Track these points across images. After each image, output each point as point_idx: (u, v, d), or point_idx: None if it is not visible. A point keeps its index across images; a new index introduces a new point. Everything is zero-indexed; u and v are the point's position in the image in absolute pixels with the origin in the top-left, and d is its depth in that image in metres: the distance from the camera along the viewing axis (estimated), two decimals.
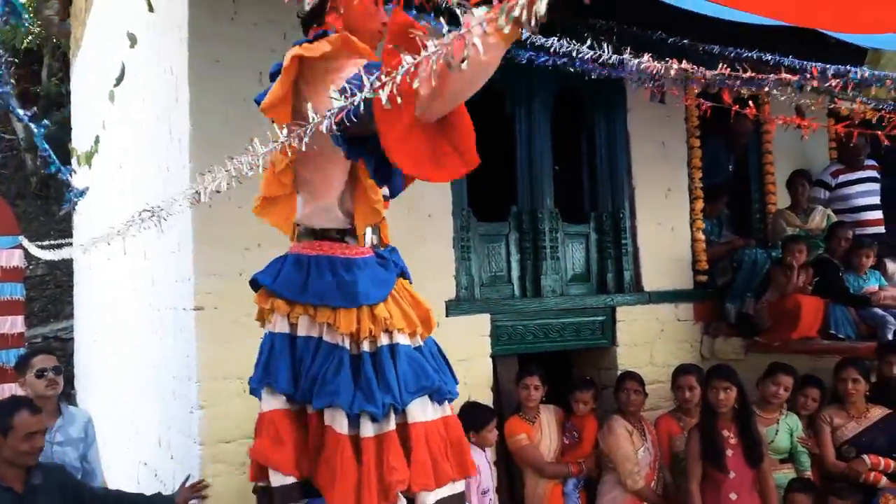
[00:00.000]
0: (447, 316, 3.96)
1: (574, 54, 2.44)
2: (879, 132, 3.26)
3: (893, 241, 5.24)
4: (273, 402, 1.83)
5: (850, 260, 4.75)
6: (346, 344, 1.81)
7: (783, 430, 3.97)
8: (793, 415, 4.05)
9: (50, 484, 2.63)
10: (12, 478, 2.56)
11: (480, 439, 3.61)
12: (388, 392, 1.72)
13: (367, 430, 1.74)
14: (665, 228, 4.85)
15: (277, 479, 1.71)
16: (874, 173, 5.37)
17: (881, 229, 5.25)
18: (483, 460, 3.54)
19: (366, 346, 1.83)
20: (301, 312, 1.84)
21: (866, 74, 2.84)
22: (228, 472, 3.13)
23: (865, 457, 3.77)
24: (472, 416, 3.61)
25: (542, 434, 3.92)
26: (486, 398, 4.08)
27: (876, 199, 5.32)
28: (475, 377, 4.03)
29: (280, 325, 1.85)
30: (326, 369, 1.76)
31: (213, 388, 3.16)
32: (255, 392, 1.91)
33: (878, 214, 5.29)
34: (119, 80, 4.07)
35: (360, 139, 1.63)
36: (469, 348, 4.04)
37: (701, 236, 4.94)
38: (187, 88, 3.23)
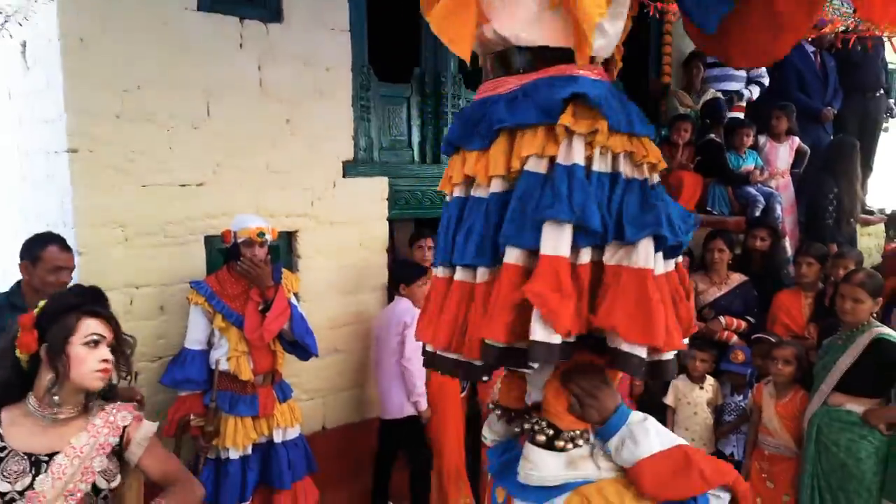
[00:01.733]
0: (344, 177, 3.91)
1: None
2: None
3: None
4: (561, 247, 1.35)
5: (730, 140, 5.03)
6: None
7: None
8: None
9: None
10: None
11: (410, 293, 3.75)
12: None
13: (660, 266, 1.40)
14: None
15: (543, 334, 1.34)
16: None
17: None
18: None
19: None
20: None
21: None
22: None
23: (721, 318, 4.18)
24: (405, 271, 3.84)
25: None
26: (382, 261, 4.15)
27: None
28: (371, 239, 4.07)
29: (577, 155, 1.35)
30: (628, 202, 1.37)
31: (92, 236, 3.02)
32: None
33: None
34: None
35: None
36: (365, 210, 4.04)
37: None
38: None
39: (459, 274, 1.44)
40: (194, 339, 3.09)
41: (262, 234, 3.11)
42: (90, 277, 2.82)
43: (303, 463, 3.26)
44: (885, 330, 3.17)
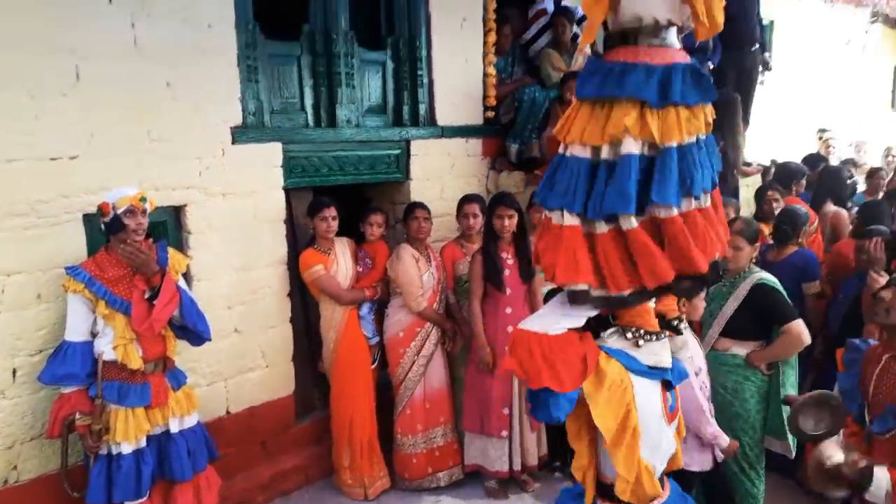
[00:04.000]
0: (234, 144, 3.68)
1: None
2: None
3: None
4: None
5: None
6: None
7: None
8: None
9: None
10: None
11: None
12: None
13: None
14: (459, 60, 4.84)
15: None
16: None
17: None
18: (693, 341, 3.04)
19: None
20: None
21: None
22: None
23: None
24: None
25: (338, 264, 3.95)
26: (279, 232, 3.98)
27: None
28: (266, 210, 3.88)
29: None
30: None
31: None
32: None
33: None
34: None
35: None
36: (259, 179, 3.83)
37: (492, 71, 5.02)
38: None
39: (603, 225, 1.80)
40: (75, 329, 2.83)
41: (143, 199, 2.89)
42: None
43: (203, 451, 3.11)
44: (765, 275, 3.39)
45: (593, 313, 1.91)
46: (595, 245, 1.84)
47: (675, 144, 1.77)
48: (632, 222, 1.77)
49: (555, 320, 1.87)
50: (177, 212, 3.54)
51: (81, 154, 3.10)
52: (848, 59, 9.90)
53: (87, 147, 3.11)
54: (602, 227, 1.82)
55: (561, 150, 1.92)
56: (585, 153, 1.84)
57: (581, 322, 1.88)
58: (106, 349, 2.84)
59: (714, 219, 1.89)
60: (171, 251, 3.09)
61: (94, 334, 2.87)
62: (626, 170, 1.76)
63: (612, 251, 1.82)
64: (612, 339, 1.95)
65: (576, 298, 1.90)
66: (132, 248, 2.81)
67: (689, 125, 1.79)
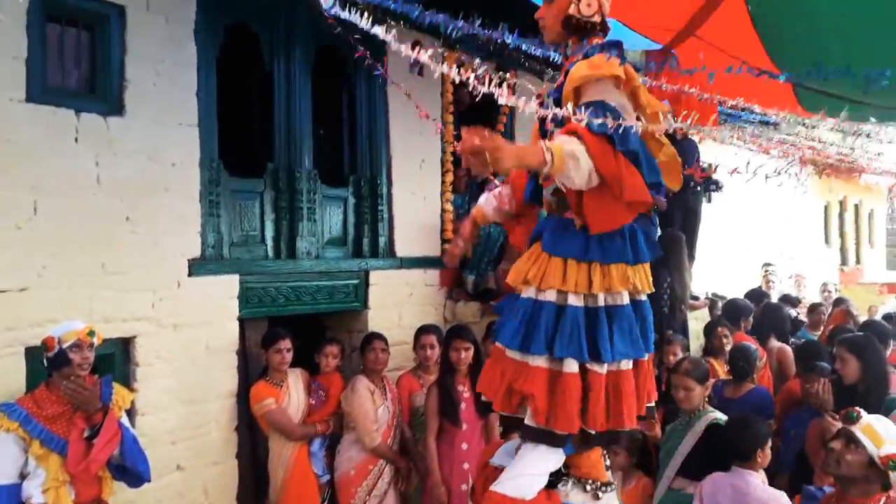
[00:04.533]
0: (190, 276, 3.69)
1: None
2: None
3: None
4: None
5: None
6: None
7: None
8: None
9: None
10: None
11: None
12: None
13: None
14: (418, 197, 5.05)
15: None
16: None
17: None
18: None
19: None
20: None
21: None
22: None
23: None
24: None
25: (290, 396, 3.87)
26: (231, 363, 3.91)
27: None
28: (219, 341, 3.83)
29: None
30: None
31: None
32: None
33: None
34: None
35: None
36: (214, 310, 3.81)
37: (450, 207, 5.23)
38: None
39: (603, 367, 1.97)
40: (2, 471, 2.66)
41: (92, 333, 2.84)
42: None
43: None
44: (718, 415, 3.43)
45: (555, 468, 1.92)
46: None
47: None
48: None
49: (528, 483, 1.88)
50: (125, 344, 3.47)
51: (32, 286, 3.08)
52: (783, 198, 10.60)
53: (37, 279, 3.09)
54: (602, 369, 1.98)
55: (531, 294, 2.04)
56: (579, 301, 1.99)
57: (546, 479, 1.89)
58: (35, 492, 2.67)
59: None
60: (116, 386, 3.00)
61: (23, 475, 2.70)
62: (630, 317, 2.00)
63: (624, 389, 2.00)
64: (573, 494, 1.94)
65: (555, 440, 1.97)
66: (74, 385, 2.73)
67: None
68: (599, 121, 1.70)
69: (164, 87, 3.56)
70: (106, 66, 3.40)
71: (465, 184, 5.51)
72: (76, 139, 3.24)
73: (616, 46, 2.05)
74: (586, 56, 1.98)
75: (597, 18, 2.12)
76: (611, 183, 1.83)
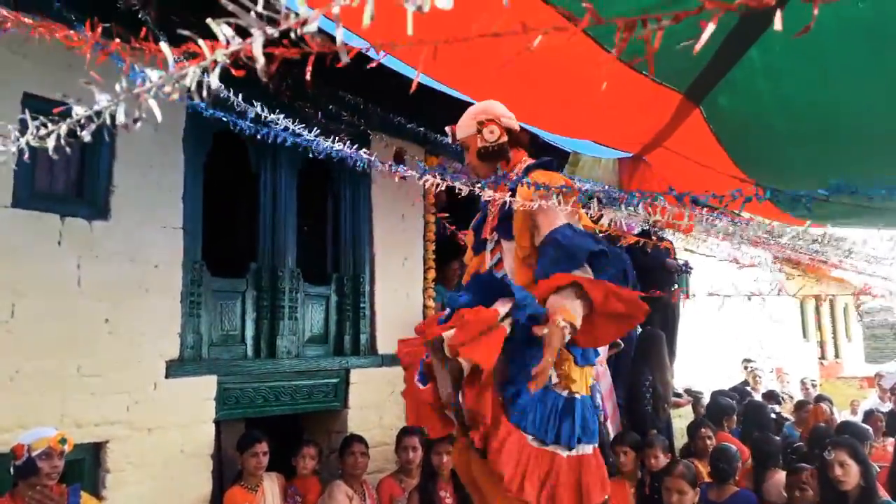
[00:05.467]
0: (167, 377, 3.63)
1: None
2: None
3: None
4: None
5: None
6: None
7: None
8: None
9: None
10: None
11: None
12: None
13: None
14: (401, 294, 5.08)
15: None
16: None
17: None
18: None
19: None
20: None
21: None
22: None
23: None
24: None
25: (266, 503, 3.73)
26: (205, 467, 3.79)
27: None
28: (194, 444, 3.73)
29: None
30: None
31: None
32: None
33: None
34: None
35: None
36: (190, 413, 3.73)
37: (432, 304, 5.26)
38: None
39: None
40: None
41: (63, 440, 2.76)
42: None
43: None
44: None
45: None
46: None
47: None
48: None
49: None
50: (97, 448, 3.37)
51: (3, 389, 3.02)
52: (760, 293, 10.77)
53: (9, 383, 3.04)
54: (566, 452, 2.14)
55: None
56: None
57: None
58: None
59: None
60: (84, 496, 2.89)
61: None
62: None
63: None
64: None
65: None
66: (40, 496, 2.63)
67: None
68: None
69: (151, 190, 3.64)
70: (94, 171, 3.49)
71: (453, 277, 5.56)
72: (59, 242, 3.27)
73: (546, 165, 2.39)
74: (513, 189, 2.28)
75: (504, 139, 2.43)
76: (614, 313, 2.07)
